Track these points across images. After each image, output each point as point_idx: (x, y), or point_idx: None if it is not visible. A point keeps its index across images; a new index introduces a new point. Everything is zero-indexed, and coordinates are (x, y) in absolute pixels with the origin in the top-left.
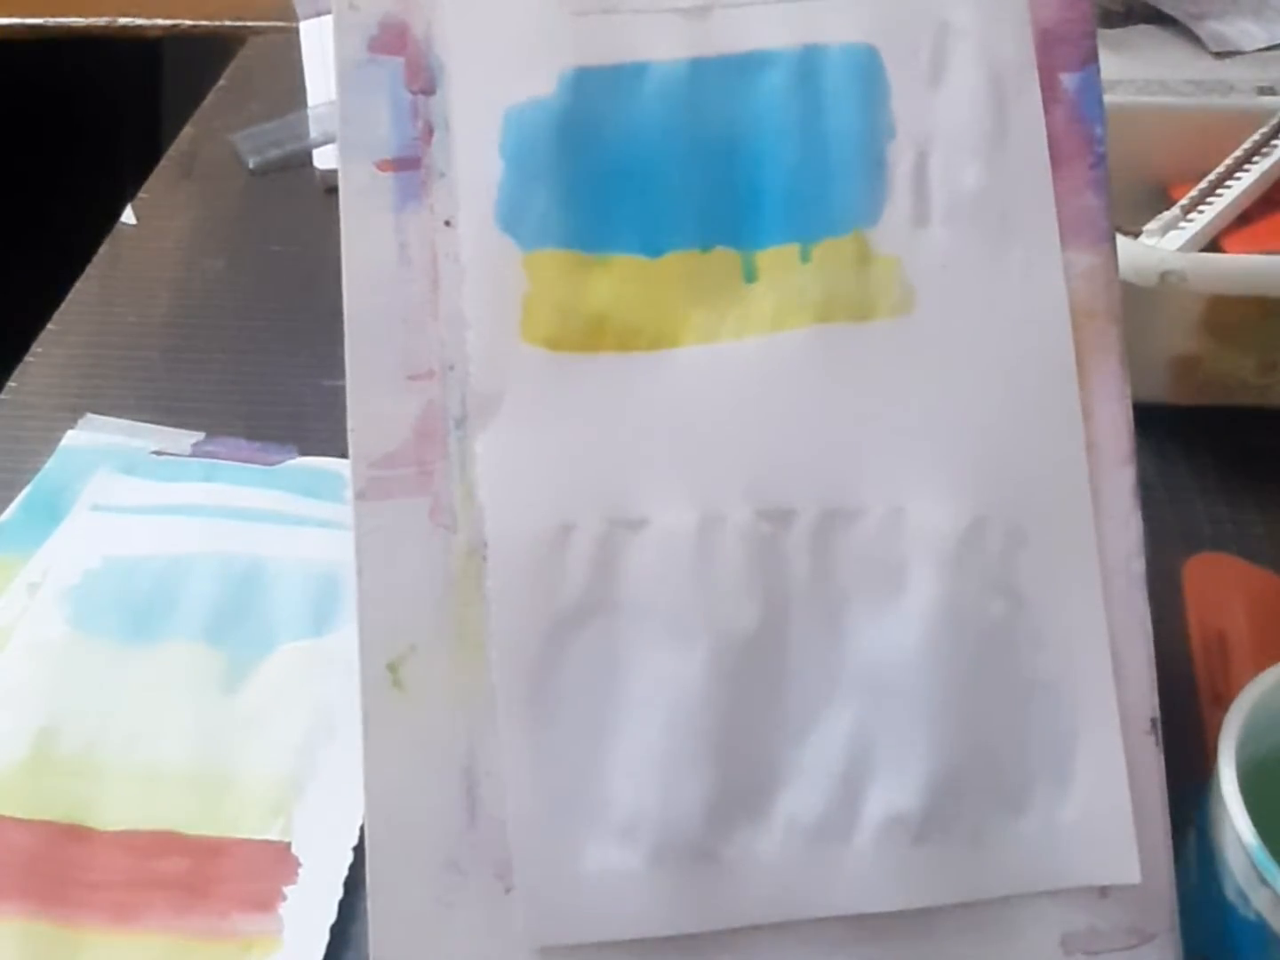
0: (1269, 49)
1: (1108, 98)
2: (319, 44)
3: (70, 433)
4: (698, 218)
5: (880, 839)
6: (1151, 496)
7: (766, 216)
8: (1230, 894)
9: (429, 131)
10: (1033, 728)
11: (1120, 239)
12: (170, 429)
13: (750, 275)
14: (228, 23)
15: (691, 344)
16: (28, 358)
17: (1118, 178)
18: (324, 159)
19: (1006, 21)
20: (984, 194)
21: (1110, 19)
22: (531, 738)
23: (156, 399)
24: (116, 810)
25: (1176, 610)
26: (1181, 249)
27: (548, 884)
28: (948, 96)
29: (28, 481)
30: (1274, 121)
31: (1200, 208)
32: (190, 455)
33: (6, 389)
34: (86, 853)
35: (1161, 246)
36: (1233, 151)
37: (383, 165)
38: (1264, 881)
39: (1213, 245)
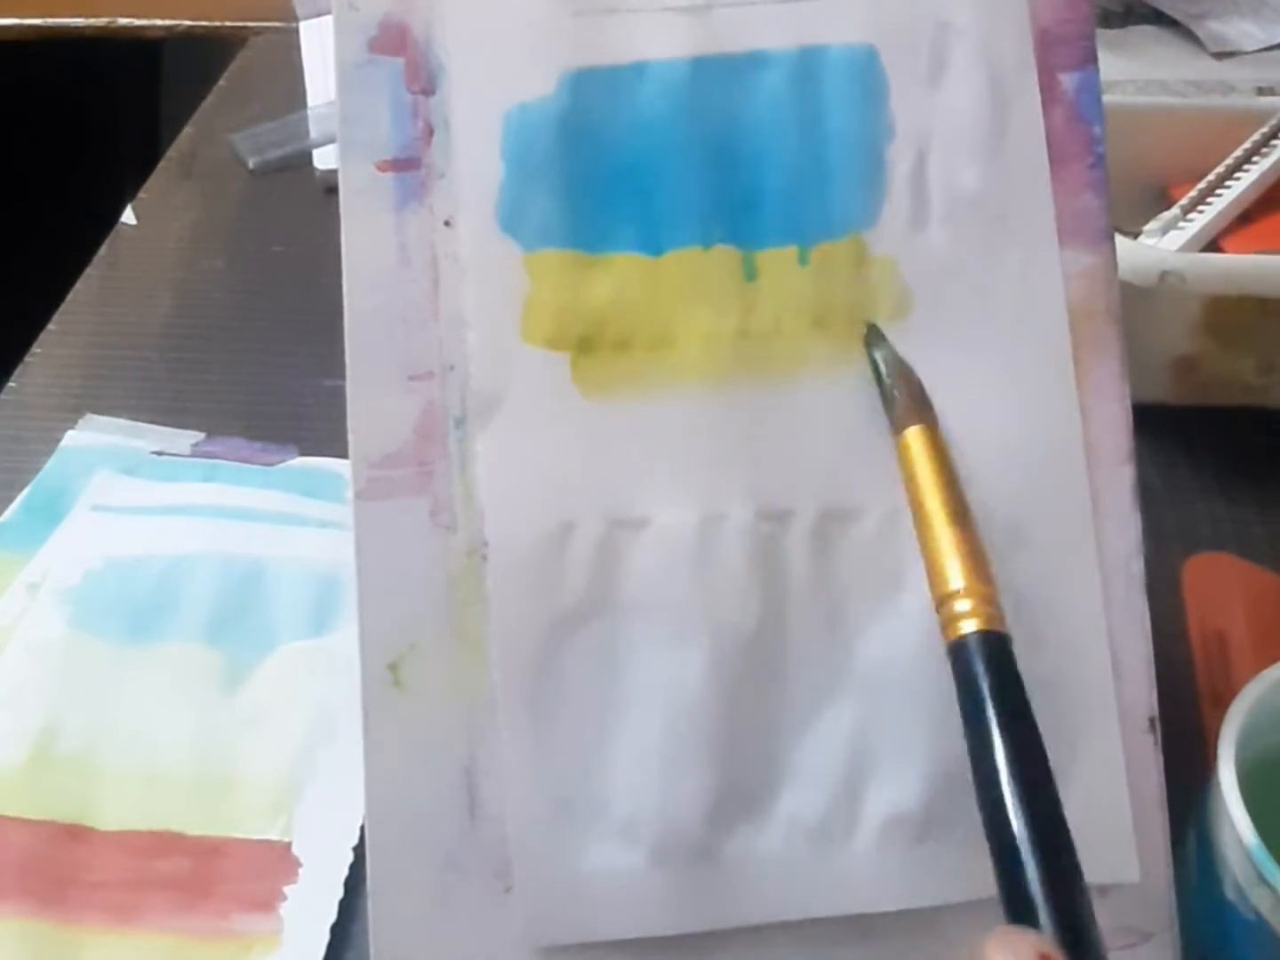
0: (1268, 49)
1: (1107, 98)
2: (319, 44)
3: (70, 433)
4: (699, 215)
5: (881, 838)
6: (1151, 496)
7: (766, 217)
8: (1230, 893)
9: (429, 132)
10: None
11: (1120, 239)
12: (170, 429)
13: (750, 274)
14: (228, 23)
15: (692, 343)
16: (28, 358)
17: (1117, 178)
18: (324, 159)
19: (1006, 22)
20: (983, 194)
21: (1110, 19)
22: (531, 737)
23: (156, 399)
24: (116, 810)
25: (1176, 610)
26: (1181, 249)
27: (548, 884)
28: (947, 97)
29: (28, 481)
30: (1274, 121)
31: (1200, 208)
32: (190, 455)
33: (6, 389)
34: (86, 853)
35: (1161, 246)
36: (1232, 151)
37: (383, 165)
38: (1264, 881)
39: (1213, 245)
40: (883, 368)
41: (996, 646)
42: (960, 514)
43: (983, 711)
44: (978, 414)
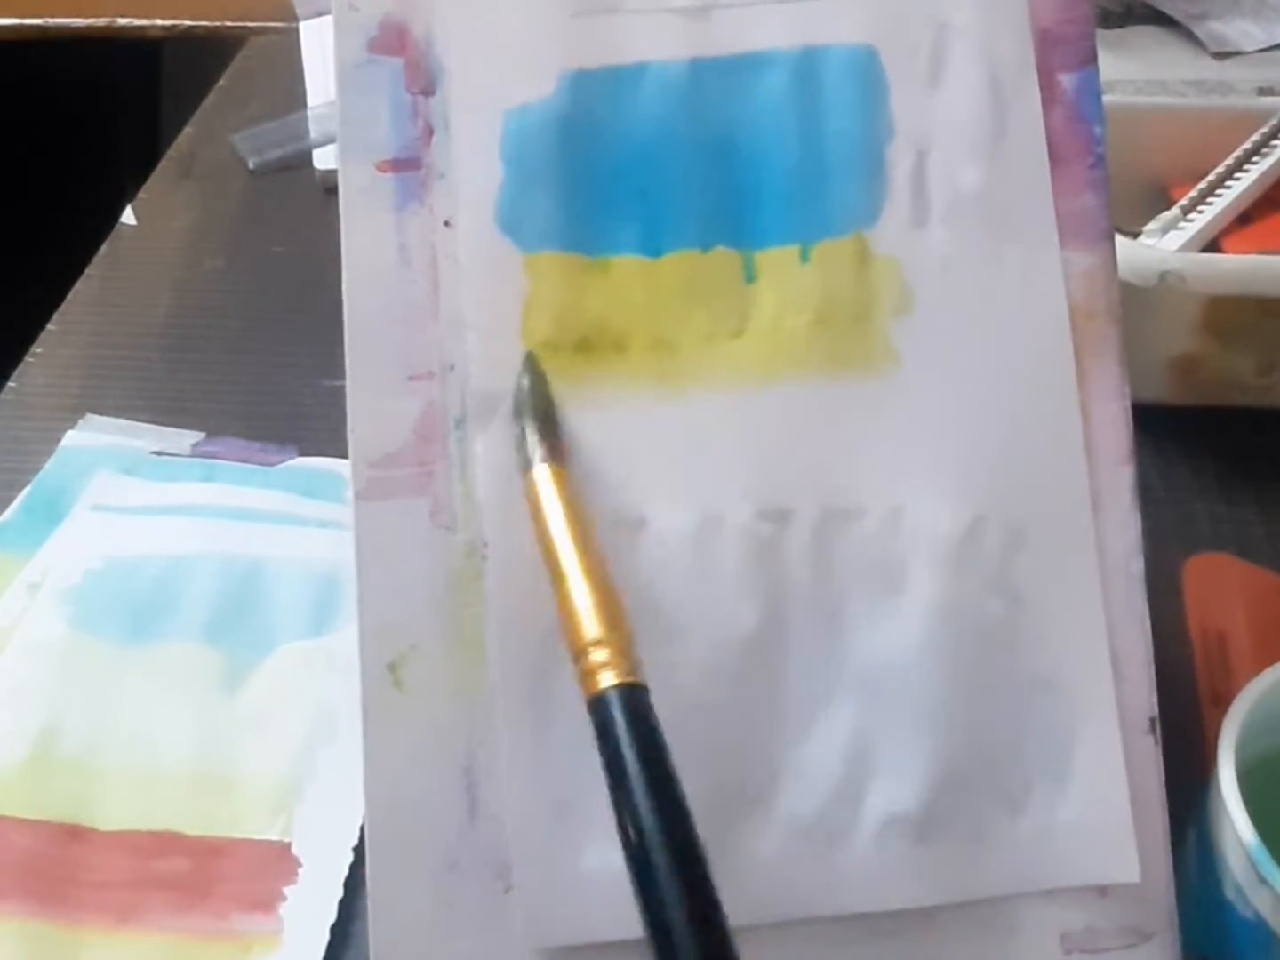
0: (1268, 49)
1: (1107, 98)
2: (319, 44)
3: (70, 433)
4: (698, 217)
5: (880, 838)
6: (1151, 496)
7: (766, 217)
8: (1230, 893)
9: (429, 132)
10: (1032, 727)
11: (1120, 239)
12: (170, 429)
13: (750, 275)
14: (228, 23)
15: (692, 344)
16: (28, 358)
17: (1117, 178)
18: (324, 159)
19: (1006, 22)
20: (983, 194)
21: (1110, 19)
22: (531, 737)
23: (156, 399)
24: (116, 810)
25: (1176, 610)
26: (1181, 249)
27: (548, 884)
28: (947, 97)
29: (28, 481)
30: (1274, 121)
31: (1200, 208)
32: (190, 455)
33: (6, 389)
34: (86, 853)
35: (1161, 246)
36: (1232, 151)
37: (383, 166)
38: (1263, 881)
39: (1213, 245)
40: (519, 399)
41: (634, 699)
42: (589, 559)
43: (625, 766)
44: (977, 414)
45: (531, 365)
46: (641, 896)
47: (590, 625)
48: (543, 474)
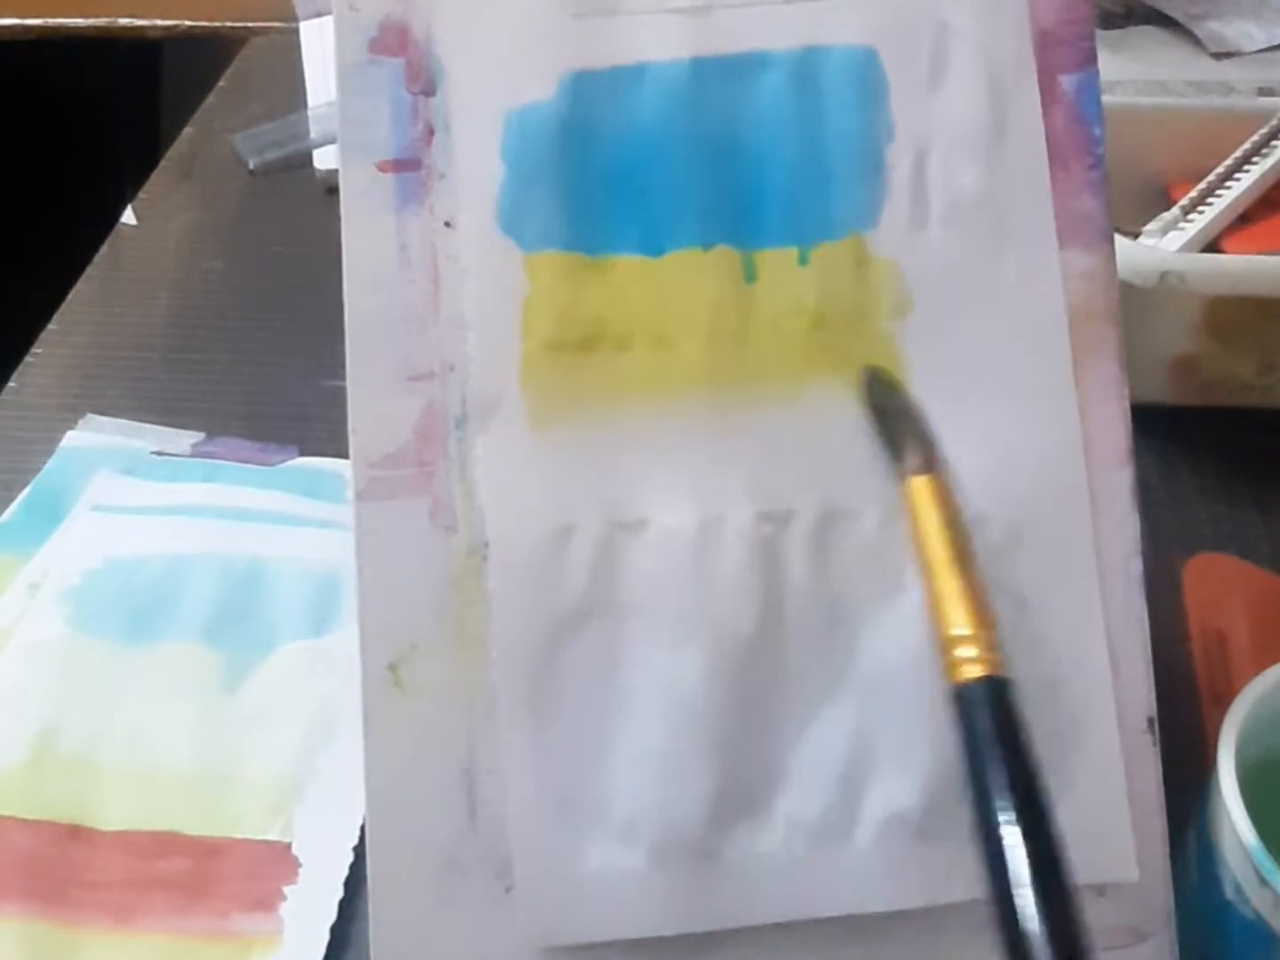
0: (1268, 50)
1: (1107, 98)
2: (319, 44)
3: (70, 433)
4: (699, 216)
5: (880, 838)
6: (1151, 496)
7: (766, 218)
8: (1230, 894)
9: (429, 133)
10: (1030, 727)
11: (1120, 239)
12: (170, 429)
13: (750, 275)
14: (228, 23)
15: (692, 344)
16: (28, 358)
17: (1117, 178)
18: (324, 159)
19: (1006, 23)
20: (982, 195)
21: (1110, 19)
22: (532, 737)
23: (156, 399)
24: (116, 810)
25: (1176, 610)
26: (1181, 249)
27: (548, 884)
28: (947, 98)
29: (28, 481)
30: (1274, 122)
31: (1200, 208)
32: (190, 455)
33: (7, 389)
34: (86, 853)
35: (1161, 247)
36: (1233, 152)
37: (383, 166)
38: (1264, 881)
39: (1213, 245)
40: (890, 417)
41: (1000, 692)
42: (963, 559)
43: (986, 758)
44: (977, 415)
45: (884, 378)
46: (997, 891)
47: (963, 619)
48: (925, 482)
